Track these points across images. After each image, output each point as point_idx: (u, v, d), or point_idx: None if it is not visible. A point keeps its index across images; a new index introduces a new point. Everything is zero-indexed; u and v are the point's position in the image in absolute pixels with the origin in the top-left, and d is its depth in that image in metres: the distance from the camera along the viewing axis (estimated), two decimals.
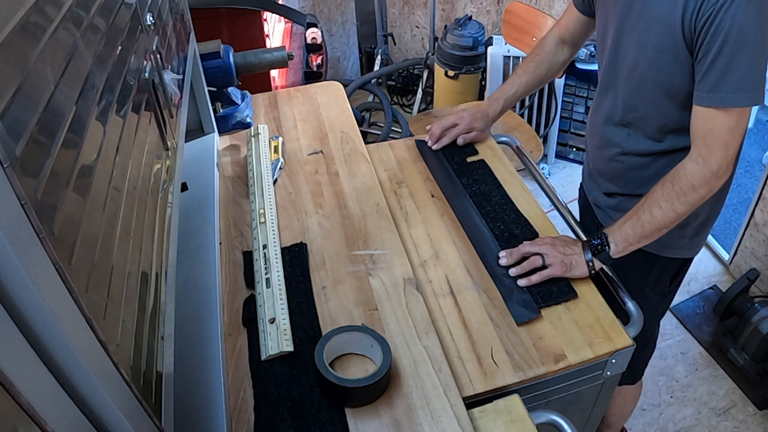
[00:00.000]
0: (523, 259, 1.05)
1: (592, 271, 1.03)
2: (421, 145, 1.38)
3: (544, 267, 1.02)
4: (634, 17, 0.99)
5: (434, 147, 1.35)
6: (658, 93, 1.01)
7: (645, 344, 1.31)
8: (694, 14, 0.88)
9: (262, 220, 1.12)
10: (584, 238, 1.10)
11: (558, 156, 2.80)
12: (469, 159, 1.33)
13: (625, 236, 1.02)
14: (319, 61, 2.48)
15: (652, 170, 1.10)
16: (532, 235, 1.13)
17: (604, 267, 1.10)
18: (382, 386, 0.85)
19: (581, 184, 1.40)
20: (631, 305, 1.04)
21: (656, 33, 0.95)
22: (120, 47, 0.62)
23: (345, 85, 1.82)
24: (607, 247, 1.03)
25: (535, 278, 1.02)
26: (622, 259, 1.07)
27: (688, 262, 1.24)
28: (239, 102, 1.46)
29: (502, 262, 1.06)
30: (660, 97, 1.01)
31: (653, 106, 1.03)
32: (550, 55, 1.32)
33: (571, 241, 1.07)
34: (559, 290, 1.02)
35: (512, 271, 1.04)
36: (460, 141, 1.35)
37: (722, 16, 0.85)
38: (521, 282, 1.02)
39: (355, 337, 0.89)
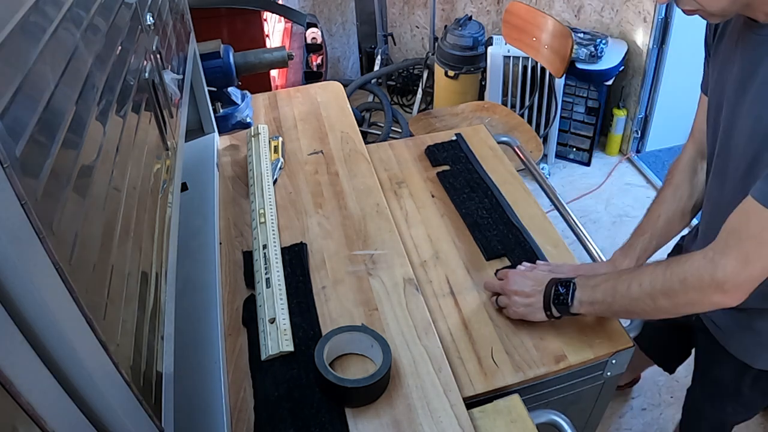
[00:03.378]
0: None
1: (552, 318, 0.95)
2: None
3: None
4: (749, 101, 0.80)
5: None
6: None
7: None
8: None
9: (262, 220, 1.12)
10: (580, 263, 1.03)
11: (558, 156, 2.80)
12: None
13: (592, 299, 0.90)
14: (319, 61, 2.48)
15: None
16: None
17: None
18: (382, 386, 0.85)
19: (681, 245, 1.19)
20: None
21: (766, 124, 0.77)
22: (120, 47, 0.62)
23: (345, 85, 1.82)
24: (568, 301, 0.91)
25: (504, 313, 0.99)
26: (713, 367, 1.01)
27: None
28: (239, 102, 1.45)
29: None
30: None
31: None
32: (688, 174, 1.04)
33: (538, 282, 0.96)
34: None
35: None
36: None
37: None
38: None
39: (355, 337, 0.89)
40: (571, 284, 0.92)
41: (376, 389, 0.84)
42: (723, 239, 0.77)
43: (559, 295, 0.92)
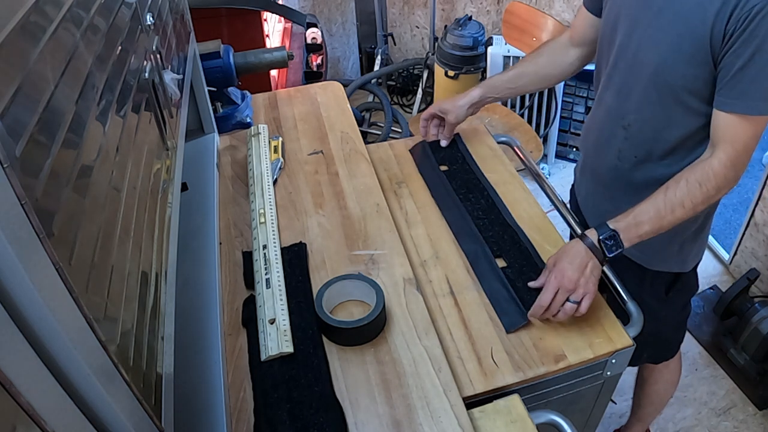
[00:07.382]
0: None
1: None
2: (414, 150, 1.39)
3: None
4: (653, 13, 0.95)
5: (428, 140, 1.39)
6: (664, 93, 0.98)
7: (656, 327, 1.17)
8: (726, 18, 0.85)
9: (262, 220, 1.12)
10: (583, 234, 1.00)
11: (558, 156, 2.80)
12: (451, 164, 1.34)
13: (639, 233, 0.95)
14: (319, 61, 2.49)
15: (643, 175, 1.09)
16: (518, 240, 1.12)
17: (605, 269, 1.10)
18: (379, 325, 0.94)
19: (573, 185, 1.39)
20: (631, 305, 1.04)
21: (675, 32, 0.92)
22: (120, 47, 0.62)
23: (345, 85, 1.82)
24: (618, 248, 0.95)
25: (572, 313, 0.93)
26: (615, 268, 1.08)
27: (684, 275, 1.20)
28: (239, 102, 1.46)
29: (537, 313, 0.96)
30: (664, 99, 0.98)
31: (657, 109, 1.00)
32: (555, 49, 1.26)
33: (576, 256, 0.95)
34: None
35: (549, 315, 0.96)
36: (443, 142, 1.38)
37: (758, 23, 0.82)
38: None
39: (355, 284, 0.98)
40: (613, 235, 0.95)
41: (372, 328, 0.92)
42: (729, 147, 0.92)
43: (608, 247, 0.95)
